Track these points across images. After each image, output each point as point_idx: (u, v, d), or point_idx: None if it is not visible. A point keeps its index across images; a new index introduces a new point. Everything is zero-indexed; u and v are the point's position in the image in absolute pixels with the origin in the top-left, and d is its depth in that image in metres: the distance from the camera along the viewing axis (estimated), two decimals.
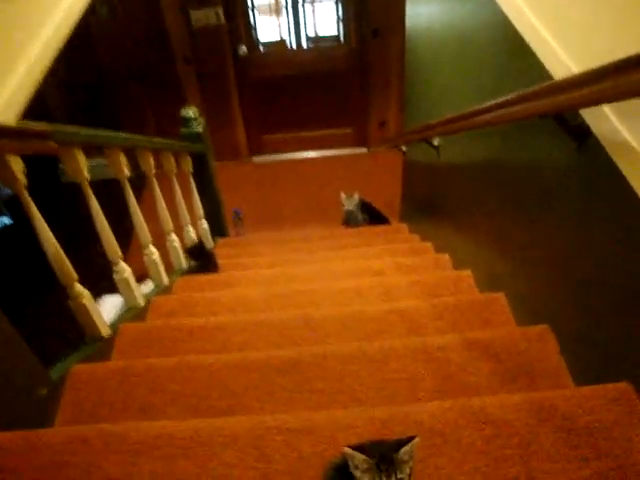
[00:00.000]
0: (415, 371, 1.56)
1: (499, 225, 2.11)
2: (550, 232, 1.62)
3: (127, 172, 2.27)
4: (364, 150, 6.56)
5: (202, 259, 3.11)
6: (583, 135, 1.32)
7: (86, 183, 1.91)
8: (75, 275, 1.79)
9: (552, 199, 1.59)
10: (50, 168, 5.23)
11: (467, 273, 2.45)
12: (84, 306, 1.82)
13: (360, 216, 4.76)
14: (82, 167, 1.86)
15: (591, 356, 1.43)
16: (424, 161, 3.69)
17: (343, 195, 4.72)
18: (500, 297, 2.03)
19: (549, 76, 1.47)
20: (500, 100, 1.53)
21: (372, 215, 4.81)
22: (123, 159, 2.23)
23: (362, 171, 6.10)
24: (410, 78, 4.19)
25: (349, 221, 4.79)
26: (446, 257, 2.88)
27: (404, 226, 4.38)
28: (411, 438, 0.99)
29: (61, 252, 1.72)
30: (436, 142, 3.09)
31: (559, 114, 1.34)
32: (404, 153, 4.51)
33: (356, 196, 4.73)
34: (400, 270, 2.80)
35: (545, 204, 1.65)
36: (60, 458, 1.21)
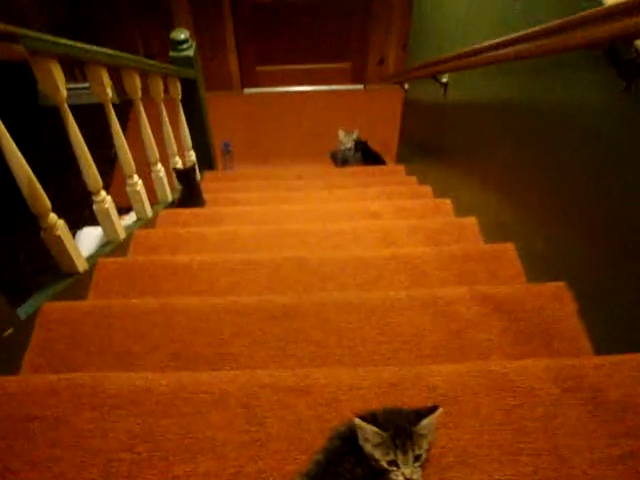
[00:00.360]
0: (421, 325, 1.43)
1: (511, 170, 1.94)
2: (575, 179, 1.46)
3: (110, 93, 2.05)
4: (361, 87, 6.28)
5: (189, 188, 2.93)
6: (635, 71, 1.15)
7: (64, 103, 1.71)
8: (49, 204, 1.60)
9: (581, 143, 1.42)
10: (28, 92, 4.93)
11: (472, 220, 2.31)
12: (58, 237, 1.65)
13: (355, 155, 4.58)
14: (59, 84, 1.65)
15: (614, 320, 1.30)
16: (428, 99, 3.48)
17: (341, 132, 4.52)
18: (509, 248, 1.89)
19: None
20: (540, 28, 1.34)
21: (367, 154, 4.64)
22: (106, 78, 2.01)
23: (358, 109, 5.84)
24: (419, 9, 3.92)
25: (341, 160, 4.61)
26: (447, 202, 2.73)
27: (401, 168, 4.20)
28: (432, 409, 0.85)
29: (33, 177, 1.52)
30: (445, 79, 2.88)
31: (615, 41, 1.15)
32: (405, 90, 4.29)
33: (355, 133, 4.53)
34: (399, 214, 2.65)
35: (571, 149, 1.48)
36: (26, 411, 1.07)
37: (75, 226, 2.95)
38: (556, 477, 0.95)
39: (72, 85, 5.03)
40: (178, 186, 2.98)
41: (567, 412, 1.04)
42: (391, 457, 0.82)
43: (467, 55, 2.00)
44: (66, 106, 1.72)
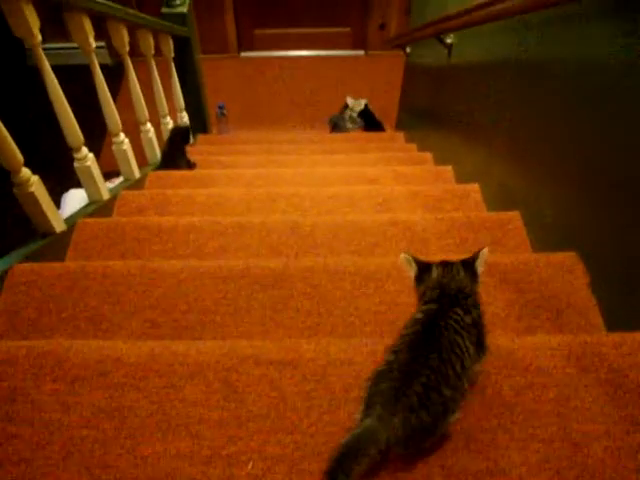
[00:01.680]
0: None
1: (519, 136, 1.82)
2: (591, 142, 1.33)
3: (93, 43, 1.91)
4: (361, 53, 6.10)
5: (174, 149, 2.79)
6: None
7: (39, 48, 1.58)
8: (20, 157, 1.48)
9: (604, 105, 1.29)
10: (16, 51, 4.75)
11: (474, 187, 2.18)
12: (31, 194, 1.53)
13: (358, 121, 4.51)
14: (32, 27, 1.52)
15: (626, 295, 1.19)
16: (430, 63, 3.34)
17: (350, 99, 4.44)
18: (515, 216, 1.77)
19: None
20: None
21: (369, 121, 4.54)
22: (88, 25, 1.86)
23: (358, 75, 5.68)
24: None
25: (342, 125, 4.51)
26: (449, 169, 2.60)
27: (400, 135, 4.08)
28: None
29: (2, 128, 1.40)
30: (449, 39, 2.73)
31: None
32: (407, 54, 4.13)
33: (363, 100, 4.46)
34: (398, 180, 2.52)
35: (590, 110, 1.34)
36: None
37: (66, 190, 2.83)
38: (569, 466, 0.85)
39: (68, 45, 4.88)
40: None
41: (582, 394, 0.93)
42: None
43: (478, 8, 1.85)
44: (41, 51, 1.60)
